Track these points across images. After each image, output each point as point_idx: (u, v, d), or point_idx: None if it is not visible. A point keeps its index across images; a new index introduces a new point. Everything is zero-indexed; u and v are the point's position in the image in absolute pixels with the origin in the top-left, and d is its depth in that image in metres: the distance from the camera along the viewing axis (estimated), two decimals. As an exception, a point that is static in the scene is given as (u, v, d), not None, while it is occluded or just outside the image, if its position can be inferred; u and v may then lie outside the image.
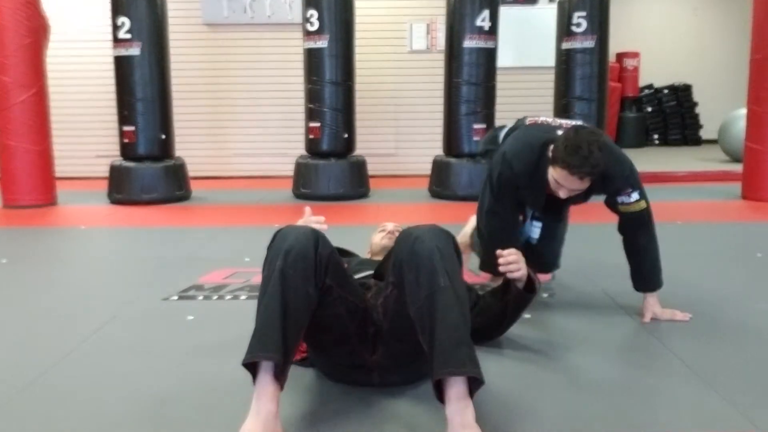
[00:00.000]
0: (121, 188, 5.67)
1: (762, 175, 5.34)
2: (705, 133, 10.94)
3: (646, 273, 2.41)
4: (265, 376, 1.47)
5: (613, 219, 2.44)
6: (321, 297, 1.64)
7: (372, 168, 6.30)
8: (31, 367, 2.00)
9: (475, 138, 5.62)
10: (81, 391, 1.84)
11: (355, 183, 5.92)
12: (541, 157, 2.32)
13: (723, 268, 3.24)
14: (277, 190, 6.28)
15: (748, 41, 5.42)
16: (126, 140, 5.71)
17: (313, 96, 5.81)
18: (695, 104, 11.17)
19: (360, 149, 6.16)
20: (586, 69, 5.79)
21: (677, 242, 3.82)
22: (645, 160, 8.29)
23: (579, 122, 2.58)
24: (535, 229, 2.67)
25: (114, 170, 5.75)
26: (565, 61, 5.88)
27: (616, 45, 8.56)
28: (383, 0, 7.51)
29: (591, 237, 3.56)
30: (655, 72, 11.09)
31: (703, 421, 1.64)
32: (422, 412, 1.67)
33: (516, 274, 1.92)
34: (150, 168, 5.66)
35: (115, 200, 5.69)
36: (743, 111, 5.90)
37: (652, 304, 2.40)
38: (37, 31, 5.26)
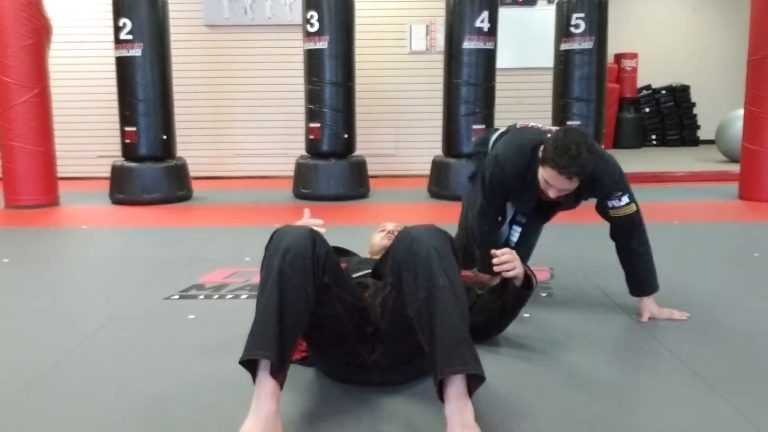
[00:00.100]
0: (122, 188, 5.69)
1: (759, 176, 5.35)
2: (702, 134, 10.95)
3: (641, 278, 2.42)
4: (265, 375, 1.48)
5: (611, 218, 2.46)
6: (319, 296, 1.65)
7: (372, 168, 6.32)
8: (31, 367, 2.01)
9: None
10: (81, 391, 1.85)
11: (355, 183, 5.93)
12: (532, 158, 2.37)
13: (720, 268, 3.26)
14: (278, 190, 6.30)
15: (745, 42, 5.44)
16: (127, 141, 5.72)
17: (313, 96, 5.83)
18: (693, 105, 11.19)
19: (360, 149, 6.17)
20: (585, 70, 5.82)
21: (675, 242, 3.84)
22: (643, 160, 8.32)
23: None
24: (514, 233, 2.74)
25: (115, 170, 5.77)
26: (563, 62, 5.90)
27: (614, 46, 8.61)
28: (383, 1, 7.53)
29: (590, 237, 3.57)
30: (653, 73, 11.10)
31: (703, 421, 1.64)
32: (422, 411, 1.68)
33: (511, 273, 1.94)
34: (151, 168, 5.67)
35: (116, 200, 5.70)
36: (740, 112, 5.92)
37: (650, 303, 2.42)
38: (39, 32, 5.28)
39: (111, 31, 5.68)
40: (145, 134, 5.69)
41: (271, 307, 1.53)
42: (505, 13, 6.29)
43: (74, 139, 7.36)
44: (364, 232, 2.83)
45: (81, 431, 1.62)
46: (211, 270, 3.22)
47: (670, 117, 11.21)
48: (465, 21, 5.59)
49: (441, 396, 1.49)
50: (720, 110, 8.81)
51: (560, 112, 5.98)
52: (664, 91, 11.25)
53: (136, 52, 5.58)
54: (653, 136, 11.21)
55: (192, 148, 6.91)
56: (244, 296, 2.78)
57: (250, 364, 1.50)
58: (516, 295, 2.01)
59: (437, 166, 5.95)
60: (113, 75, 5.79)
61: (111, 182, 5.80)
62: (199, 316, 2.53)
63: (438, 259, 1.59)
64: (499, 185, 2.49)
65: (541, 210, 2.63)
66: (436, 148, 6.22)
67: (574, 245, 3.62)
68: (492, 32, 5.65)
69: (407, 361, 1.83)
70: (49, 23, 5.41)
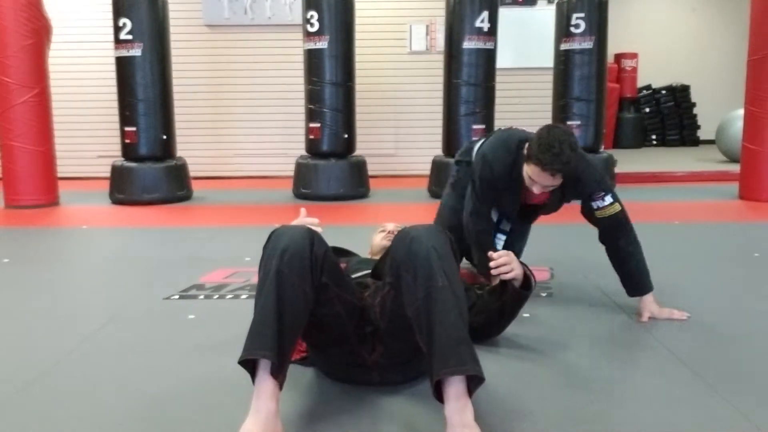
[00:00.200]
0: (122, 188, 5.69)
1: (759, 176, 5.36)
2: (703, 134, 10.96)
3: (635, 277, 2.44)
4: (264, 375, 1.47)
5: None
6: (318, 296, 1.65)
7: (372, 168, 6.32)
8: (31, 367, 2.01)
9: (474, 138, 5.63)
10: (81, 391, 1.85)
11: (355, 183, 5.94)
12: (518, 155, 2.43)
13: (720, 268, 3.26)
14: (278, 190, 6.30)
15: (745, 42, 5.44)
16: (127, 141, 5.72)
17: (313, 96, 5.83)
18: (693, 105, 11.19)
19: (360, 149, 6.18)
20: (585, 70, 5.82)
21: (675, 242, 3.84)
22: (643, 160, 8.33)
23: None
24: (499, 242, 2.79)
25: (115, 170, 5.77)
26: (563, 61, 5.90)
27: (614, 46, 8.61)
28: (383, 1, 7.53)
29: (590, 237, 3.57)
30: (653, 73, 11.11)
31: (703, 421, 1.64)
32: (422, 411, 1.68)
33: (510, 275, 1.94)
34: (151, 168, 5.67)
35: (116, 200, 5.70)
36: (741, 112, 5.92)
37: (650, 303, 2.42)
38: (39, 32, 5.28)
39: (111, 31, 5.68)
40: (145, 134, 5.69)
41: (269, 308, 1.53)
42: (505, 13, 6.29)
43: (74, 139, 7.36)
44: (364, 232, 2.83)
45: (81, 431, 1.62)
46: (211, 270, 3.22)
47: (670, 117, 11.21)
48: (465, 21, 5.59)
49: (437, 396, 1.49)
50: (720, 110, 8.82)
51: (560, 112, 5.98)
52: (664, 91, 11.26)
53: (136, 52, 5.58)
54: (653, 136, 11.21)
55: (192, 148, 6.91)
56: (244, 296, 2.78)
57: (249, 364, 1.49)
58: (515, 295, 2.01)
59: (437, 166, 5.94)
60: (113, 75, 5.79)
61: (111, 182, 5.80)
62: (199, 316, 2.54)
63: (437, 259, 1.59)
64: (489, 185, 2.56)
65: (524, 214, 2.70)
66: (436, 148, 6.22)
67: (574, 245, 3.62)
68: (492, 32, 5.64)
69: (407, 360, 1.83)
70: (49, 23, 5.41)
